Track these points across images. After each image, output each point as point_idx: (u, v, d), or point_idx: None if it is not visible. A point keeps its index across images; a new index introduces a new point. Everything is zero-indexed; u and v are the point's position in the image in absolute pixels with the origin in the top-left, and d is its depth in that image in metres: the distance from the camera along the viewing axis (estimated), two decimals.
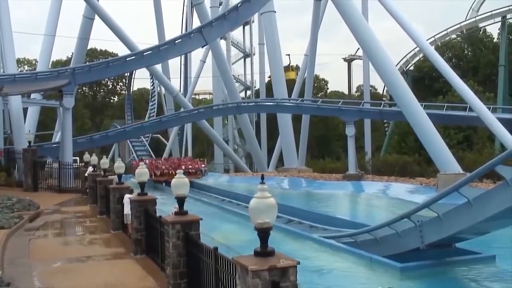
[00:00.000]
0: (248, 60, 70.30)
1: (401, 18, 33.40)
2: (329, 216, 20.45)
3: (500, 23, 53.17)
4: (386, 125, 59.34)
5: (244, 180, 38.32)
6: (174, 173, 31.50)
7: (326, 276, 12.80)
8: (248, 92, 71.73)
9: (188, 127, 58.09)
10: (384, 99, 58.40)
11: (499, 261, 13.12)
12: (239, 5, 34.62)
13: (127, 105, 71.03)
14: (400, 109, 31.99)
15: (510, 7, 50.60)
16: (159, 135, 66.97)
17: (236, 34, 68.20)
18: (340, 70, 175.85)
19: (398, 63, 55.20)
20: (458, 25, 56.01)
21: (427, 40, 44.23)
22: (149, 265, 11.40)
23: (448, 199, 12.47)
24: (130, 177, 31.17)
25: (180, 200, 9.39)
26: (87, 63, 47.62)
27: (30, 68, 71.04)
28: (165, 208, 15.05)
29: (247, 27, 68.82)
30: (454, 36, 60.33)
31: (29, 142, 30.50)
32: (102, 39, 67.55)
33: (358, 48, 60.15)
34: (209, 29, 33.88)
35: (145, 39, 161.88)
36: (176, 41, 34.51)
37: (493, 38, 64.94)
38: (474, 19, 55.66)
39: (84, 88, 78.00)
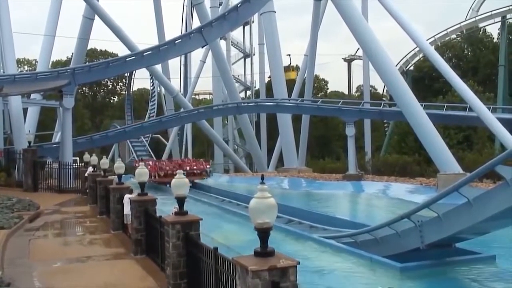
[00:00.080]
0: (248, 60, 70.35)
1: (401, 18, 33.41)
2: (329, 216, 20.46)
3: (500, 23, 53.19)
4: (386, 125, 59.34)
5: (244, 180, 38.35)
6: None
7: (326, 276, 12.80)
8: (248, 92, 71.73)
9: (188, 127, 58.11)
10: (384, 99, 58.39)
11: (499, 261, 13.13)
12: (239, 5, 34.64)
13: (127, 105, 71.02)
14: (400, 109, 32.01)
15: (510, 7, 50.60)
16: (159, 135, 66.99)
17: (236, 34, 68.33)
18: (340, 70, 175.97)
19: (398, 63, 55.21)
20: (458, 25, 56.02)
21: (427, 40, 44.25)
22: (149, 265, 11.40)
23: (448, 199, 12.47)
24: (130, 177, 31.18)
25: (180, 200, 9.39)
26: (87, 63, 47.62)
27: (30, 68, 71.03)
28: (166, 208, 15.03)
29: (247, 27, 68.85)
30: (454, 36, 60.33)
31: (29, 142, 30.50)
32: (102, 39, 67.54)
33: (358, 48, 60.16)
34: (209, 29, 33.89)
35: (145, 39, 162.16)
36: (176, 41, 34.53)
37: (493, 38, 64.96)
38: (474, 19, 55.67)
39: (84, 88, 78.00)
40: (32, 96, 37.89)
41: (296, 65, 69.21)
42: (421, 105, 32.34)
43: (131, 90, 75.60)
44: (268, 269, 5.71)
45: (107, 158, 28.75)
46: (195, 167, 36.28)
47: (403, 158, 40.58)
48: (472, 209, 11.51)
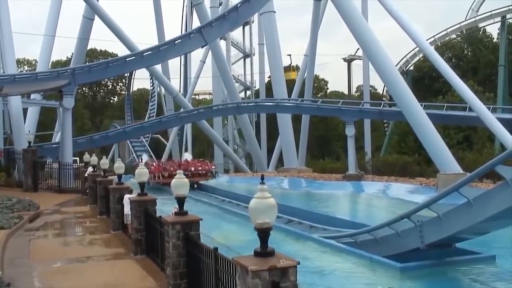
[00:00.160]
0: (248, 60, 70.36)
1: (401, 18, 33.42)
2: (329, 216, 20.45)
3: (499, 23, 53.21)
4: (386, 125, 59.34)
5: (244, 180, 38.31)
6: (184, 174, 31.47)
7: (326, 276, 12.79)
8: (248, 92, 71.73)
9: (188, 127, 58.11)
10: (384, 99, 58.42)
11: (499, 261, 13.13)
12: (239, 5, 34.64)
13: (127, 106, 71.04)
14: (400, 109, 32.00)
15: (510, 7, 50.63)
16: (159, 135, 66.99)
17: (236, 34, 68.34)
18: (340, 70, 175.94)
19: (398, 63, 55.22)
20: (458, 25, 56.04)
21: (427, 40, 44.25)
22: (149, 265, 11.40)
23: (448, 199, 12.46)
24: (130, 177, 31.15)
25: (180, 201, 9.40)
26: (87, 63, 47.62)
27: (30, 69, 71.03)
28: (166, 208, 15.03)
29: (247, 27, 68.85)
30: (454, 36, 60.35)
31: (29, 143, 30.50)
32: (102, 39, 67.32)
33: (358, 48, 60.13)
34: (209, 29, 33.89)
35: (145, 39, 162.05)
36: (176, 42, 34.53)
37: (493, 38, 64.97)
38: (474, 19, 55.69)
39: (84, 88, 78.00)
40: (32, 96, 37.88)
41: (296, 65, 69.24)
42: (421, 105, 32.33)
43: (131, 90, 75.71)
44: (268, 269, 5.71)
45: (107, 158, 28.79)
46: (200, 168, 35.18)
47: (403, 158, 40.58)
48: (472, 209, 11.50)
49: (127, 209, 13.92)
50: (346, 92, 77.57)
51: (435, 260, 12.71)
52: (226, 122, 62.82)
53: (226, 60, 54.07)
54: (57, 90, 31.47)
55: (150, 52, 33.82)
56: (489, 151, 37.76)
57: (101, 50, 78.98)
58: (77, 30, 44.87)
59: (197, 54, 60.40)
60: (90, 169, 22.43)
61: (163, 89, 58.33)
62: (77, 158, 34.52)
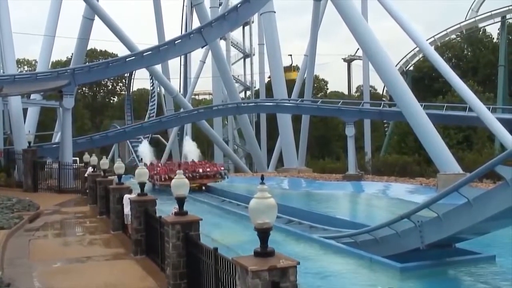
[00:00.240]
0: (248, 60, 70.37)
1: (401, 18, 33.41)
2: (329, 216, 20.44)
3: (499, 23, 53.19)
4: (386, 125, 59.34)
5: (244, 180, 38.28)
6: (191, 176, 31.06)
7: (326, 276, 12.78)
8: (248, 93, 71.74)
9: (188, 128, 58.09)
10: (384, 99, 58.41)
11: (499, 261, 13.13)
12: (238, 5, 34.63)
13: (127, 106, 71.04)
14: (400, 109, 32.00)
15: (510, 7, 50.60)
16: (159, 136, 66.97)
17: (236, 34, 68.33)
18: (340, 70, 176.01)
19: (398, 63, 55.20)
20: (458, 25, 56.02)
21: (427, 40, 44.24)
22: (149, 265, 11.40)
23: (448, 199, 12.47)
24: (130, 177, 31.10)
25: (180, 201, 9.40)
26: (87, 63, 47.63)
27: (30, 69, 71.03)
28: (165, 208, 15.03)
29: (246, 28, 68.85)
30: (453, 36, 60.32)
31: (29, 143, 30.49)
32: (102, 39, 67.32)
33: (358, 48, 60.13)
34: (208, 29, 33.88)
35: (145, 40, 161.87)
36: (176, 42, 34.52)
37: (493, 38, 64.95)
38: (473, 19, 55.68)
39: (84, 88, 77.99)
40: (32, 96, 37.89)
41: (296, 65, 69.26)
42: (421, 105, 32.32)
43: (131, 90, 75.72)
44: (268, 269, 5.71)
45: (107, 158, 28.76)
46: (208, 169, 33.71)
47: (403, 158, 40.58)
48: (472, 209, 11.50)
49: (127, 209, 13.93)
50: (346, 92, 77.60)
51: (435, 260, 12.70)
52: (226, 122, 62.81)
53: (226, 60, 54.07)
54: (57, 90, 31.47)
55: (150, 52, 33.82)
56: (489, 151, 37.76)
57: (101, 50, 79.00)
58: (77, 30, 44.91)
59: (197, 54, 60.50)
60: (90, 169, 22.43)
61: (163, 89, 58.32)
62: (77, 158, 34.52)
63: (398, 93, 31.51)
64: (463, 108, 34.52)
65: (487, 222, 11.47)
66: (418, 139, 32.30)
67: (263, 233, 5.97)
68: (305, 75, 49.32)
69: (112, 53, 76.60)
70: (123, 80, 79.57)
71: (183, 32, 59.12)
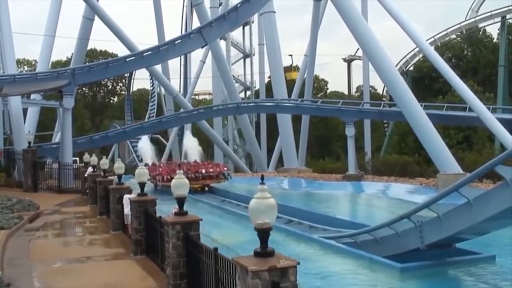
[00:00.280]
0: (248, 60, 70.35)
1: (401, 18, 33.41)
2: (329, 216, 20.43)
3: (499, 23, 53.19)
4: (386, 125, 59.34)
5: (244, 180, 38.27)
6: (193, 177, 30.98)
7: (326, 276, 12.78)
8: (248, 93, 71.73)
9: (188, 128, 58.05)
10: (384, 99, 58.42)
11: (499, 261, 13.13)
12: (238, 5, 34.64)
13: (127, 106, 71.02)
14: (400, 109, 32.00)
15: (510, 7, 50.60)
16: (159, 136, 66.92)
17: (236, 34, 68.32)
18: (340, 70, 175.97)
19: (398, 63, 55.20)
20: (458, 25, 56.01)
21: (427, 40, 44.25)
22: (149, 265, 11.40)
23: (448, 199, 12.46)
24: (130, 177, 31.07)
25: (180, 201, 9.40)
26: (87, 63, 47.62)
27: (30, 69, 71.04)
28: (165, 208, 15.03)
29: (246, 28, 68.84)
30: (453, 36, 60.32)
31: (29, 143, 30.50)
32: (102, 39, 67.41)
33: (358, 48, 60.14)
34: (208, 29, 33.89)
35: (145, 40, 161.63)
36: (176, 42, 34.52)
37: (493, 38, 64.96)
38: (473, 19, 55.68)
39: (84, 88, 77.99)
40: (32, 96, 37.89)
41: (296, 65, 69.26)
42: (421, 105, 32.32)
43: (131, 91, 75.66)
44: (268, 269, 5.71)
45: (107, 158, 28.75)
46: (211, 170, 33.02)
47: (403, 158, 40.58)
48: (472, 209, 11.50)
49: (127, 209, 13.93)
50: (346, 92, 77.60)
51: (435, 260, 12.70)
52: (226, 122, 62.80)
53: (226, 60, 54.06)
54: (57, 90, 31.47)
55: (150, 52, 33.82)
56: (489, 151, 37.76)
57: (101, 50, 78.99)
58: (77, 30, 44.90)
59: (197, 54, 60.51)
60: (90, 169, 22.43)
61: (163, 89, 58.31)
62: (77, 158, 34.53)
63: (398, 93, 31.51)
64: (463, 108, 34.51)
65: (487, 222, 11.47)
66: (418, 139, 32.29)
67: (263, 233, 5.97)
68: (305, 75, 49.32)
69: (112, 53, 76.66)
70: (123, 80, 79.55)
71: (183, 32, 59.13)
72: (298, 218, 20.36)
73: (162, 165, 35.22)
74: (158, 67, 47.21)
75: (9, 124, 32.95)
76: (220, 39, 52.76)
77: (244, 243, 14.51)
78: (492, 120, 29.98)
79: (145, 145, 43.45)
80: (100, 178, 18.86)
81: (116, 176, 16.46)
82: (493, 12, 52.12)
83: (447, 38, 58.33)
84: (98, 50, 78.67)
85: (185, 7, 65.16)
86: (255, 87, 71.25)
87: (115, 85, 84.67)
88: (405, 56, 58.24)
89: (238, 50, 69.79)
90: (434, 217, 12.52)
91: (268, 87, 58.71)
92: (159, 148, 64.35)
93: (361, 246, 14.31)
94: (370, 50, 32.06)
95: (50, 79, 30.97)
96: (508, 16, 52.39)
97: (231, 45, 67.07)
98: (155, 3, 54.30)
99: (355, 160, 38.11)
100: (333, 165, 47.41)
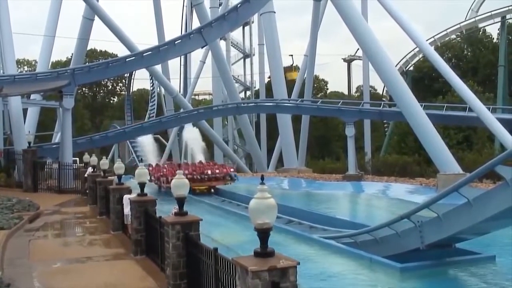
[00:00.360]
0: (248, 60, 70.30)
1: (401, 18, 33.43)
2: (329, 216, 20.44)
3: (499, 23, 53.19)
4: (385, 125, 59.33)
5: (245, 180, 38.24)
6: (199, 178, 30.76)
7: (326, 276, 12.78)
8: (248, 93, 71.71)
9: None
10: (383, 99, 58.39)
11: (499, 261, 13.13)
12: (238, 5, 34.65)
13: (126, 106, 71.01)
14: (400, 110, 32.01)
15: (510, 7, 50.60)
16: (159, 136, 66.87)
17: (236, 34, 68.29)
18: (340, 71, 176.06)
19: (398, 63, 55.20)
20: (458, 25, 56.02)
21: (427, 40, 44.25)
22: (149, 265, 11.40)
23: (448, 199, 12.47)
24: (130, 177, 31.04)
25: (180, 201, 9.40)
26: (87, 63, 47.63)
27: (30, 69, 71.04)
28: (165, 208, 15.03)
29: (246, 28, 68.80)
30: (453, 36, 60.31)
31: (29, 143, 30.48)
32: (102, 39, 67.44)
33: (358, 49, 60.09)
34: (208, 29, 33.89)
35: (145, 40, 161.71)
36: (176, 42, 34.53)
37: (493, 39, 64.94)
38: (473, 20, 55.68)
39: (84, 88, 77.98)
40: (32, 96, 37.89)
41: (296, 65, 69.25)
42: (421, 105, 32.33)
43: (131, 91, 75.65)
44: (268, 269, 5.71)
45: (107, 158, 28.70)
46: (217, 171, 32.27)
47: (403, 159, 40.58)
48: (472, 209, 11.51)
49: (127, 210, 13.92)
50: (346, 92, 77.55)
51: (435, 261, 12.71)
52: (226, 122, 62.80)
53: (226, 60, 54.08)
54: (57, 91, 31.46)
55: (150, 52, 33.82)
56: (489, 151, 37.76)
57: (101, 51, 78.98)
58: (77, 30, 44.91)
59: (197, 54, 60.49)
60: (90, 169, 22.41)
61: (163, 90, 58.31)
62: (77, 159, 34.52)
63: (398, 93, 31.52)
64: (463, 108, 34.52)
65: (487, 222, 11.47)
66: (418, 139, 32.30)
67: (263, 233, 5.97)
68: (305, 75, 49.33)
69: (112, 53, 76.67)
70: (123, 80, 79.55)
71: (183, 32, 59.13)
72: (298, 218, 20.35)
73: (166, 166, 34.88)
74: (158, 67, 47.21)
75: (9, 124, 32.93)
76: (220, 39, 52.78)
77: (244, 243, 14.52)
78: (492, 120, 29.99)
79: (146, 139, 43.21)
80: (100, 178, 18.84)
81: (116, 176, 16.45)
82: (493, 12, 52.12)
83: (447, 38, 58.33)
84: (98, 50, 78.68)
85: (185, 7, 65.16)
86: (255, 87, 71.24)
87: (115, 85, 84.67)
88: (405, 56, 58.28)
89: (238, 50, 69.78)
90: (434, 217, 12.53)
91: (268, 87, 58.70)
92: (159, 148, 64.42)
93: (361, 246, 14.32)
94: (370, 50, 32.07)
95: (50, 79, 30.97)
96: (508, 16, 52.39)
97: (231, 45, 67.07)
98: (155, 3, 54.29)
99: (355, 160, 38.12)
100: (333, 165, 47.40)
